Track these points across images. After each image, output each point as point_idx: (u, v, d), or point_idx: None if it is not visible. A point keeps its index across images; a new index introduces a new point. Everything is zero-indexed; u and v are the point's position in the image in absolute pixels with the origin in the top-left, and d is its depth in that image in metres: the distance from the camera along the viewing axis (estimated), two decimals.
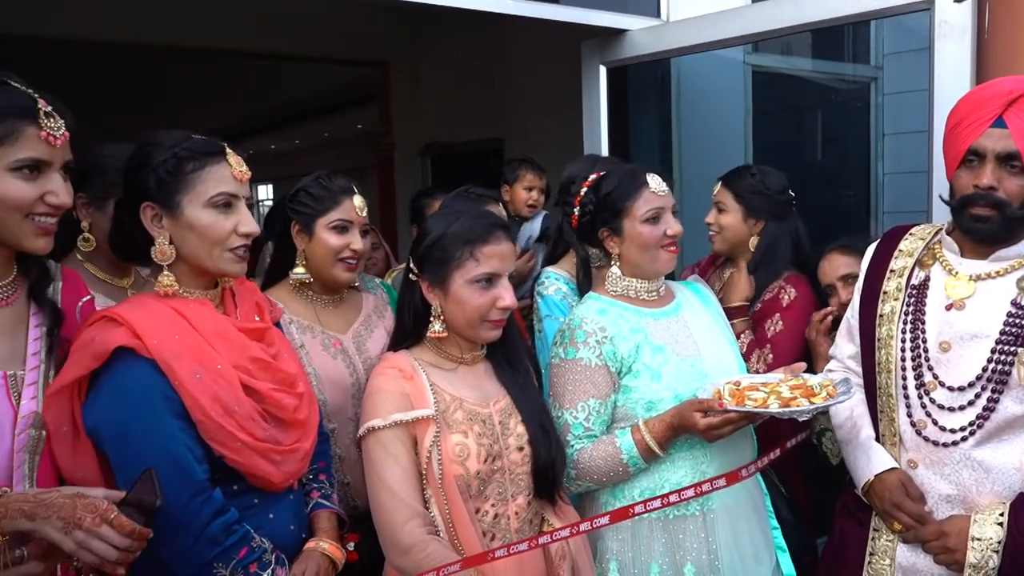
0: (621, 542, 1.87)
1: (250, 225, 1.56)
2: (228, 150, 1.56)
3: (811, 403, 1.71)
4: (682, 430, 1.79)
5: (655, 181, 1.94)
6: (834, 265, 2.35)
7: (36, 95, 1.38)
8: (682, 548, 1.85)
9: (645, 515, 1.81)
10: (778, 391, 1.76)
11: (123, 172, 1.56)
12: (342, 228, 2.00)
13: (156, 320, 1.48)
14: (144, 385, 1.43)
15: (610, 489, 1.89)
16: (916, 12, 2.38)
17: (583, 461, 1.83)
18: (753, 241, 2.48)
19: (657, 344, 1.90)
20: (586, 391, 1.84)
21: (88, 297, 1.64)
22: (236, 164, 1.55)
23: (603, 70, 3.00)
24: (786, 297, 2.37)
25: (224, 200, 1.53)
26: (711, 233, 2.53)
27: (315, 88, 7.49)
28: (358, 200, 2.04)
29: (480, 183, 2.68)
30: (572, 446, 1.84)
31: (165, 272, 1.54)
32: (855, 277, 2.04)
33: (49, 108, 1.38)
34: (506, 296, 1.67)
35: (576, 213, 2.02)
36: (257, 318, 1.67)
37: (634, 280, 1.96)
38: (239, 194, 1.56)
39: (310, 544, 1.65)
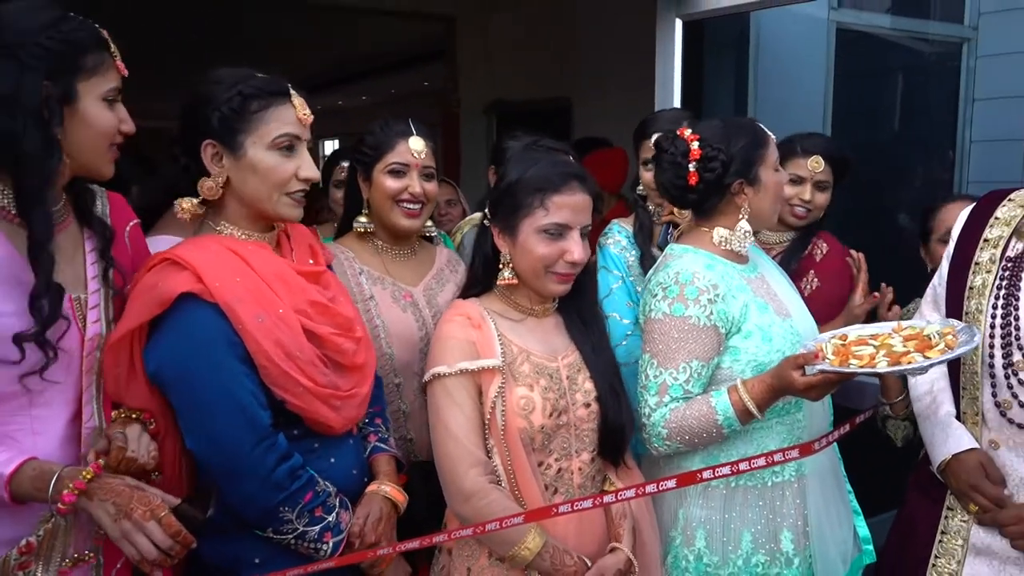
0: (711, 509, 1.80)
1: (311, 170, 1.54)
2: (292, 91, 1.54)
3: (926, 358, 1.51)
4: (781, 392, 1.69)
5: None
6: (955, 215, 2.12)
7: (95, 25, 1.40)
8: (779, 514, 1.80)
9: (740, 482, 1.78)
10: (889, 344, 1.59)
11: (183, 108, 1.54)
12: (398, 172, 1.95)
13: (218, 263, 1.47)
14: (208, 330, 1.43)
15: (702, 457, 1.80)
16: None
17: (674, 420, 1.72)
18: None
19: (761, 302, 1.82)
20: (691, 352, 1.73)
21: (135, 221, 1.63)
22: (300, 106, 1.53)
23: (679, 24, 2.89)
24: (819, 252, 2.34)
25: (287, 142, 1.51)
26: (801, 211, 2.31)
27: (383, 43, 7.45)
28: (414, 142, 1.96)
29: None
30: (666, 406, 1.74)
31: (188, 198, 1.52)
32: None
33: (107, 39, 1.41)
34: (575, 250, 1.62)
35: (693, 170, 1.79)
36: (311, 261, 1.66)
37: (751, 235, 1.83)
38: (302, 136, 1.54)
39: (372, 487, 1.66)
